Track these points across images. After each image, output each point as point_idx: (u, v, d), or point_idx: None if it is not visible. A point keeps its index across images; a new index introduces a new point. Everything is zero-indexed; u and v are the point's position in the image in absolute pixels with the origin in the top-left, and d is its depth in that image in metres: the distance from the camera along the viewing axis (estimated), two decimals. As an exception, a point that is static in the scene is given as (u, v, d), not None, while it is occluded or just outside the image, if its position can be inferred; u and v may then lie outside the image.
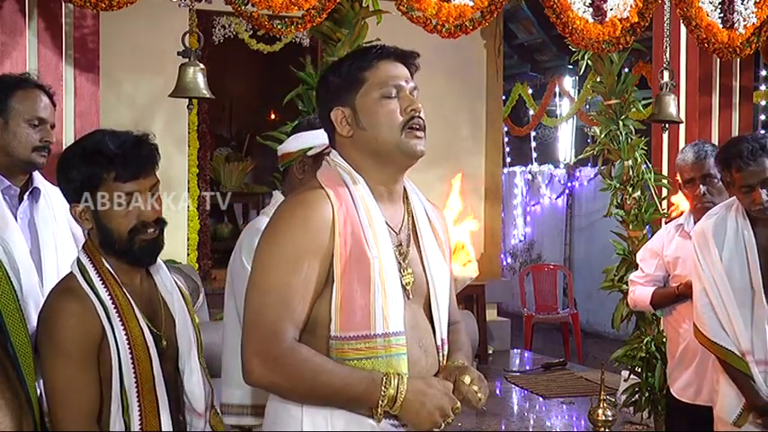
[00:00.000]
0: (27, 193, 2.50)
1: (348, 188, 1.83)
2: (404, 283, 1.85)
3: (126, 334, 1.92)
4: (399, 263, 1.86)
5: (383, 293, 1.78)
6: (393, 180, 1.90)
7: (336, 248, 1.77)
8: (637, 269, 3.85)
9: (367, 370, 1.75)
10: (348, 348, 1.76)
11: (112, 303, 1.93)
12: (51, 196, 2.49)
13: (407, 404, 1.74)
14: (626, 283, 4.36)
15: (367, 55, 1.88)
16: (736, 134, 5.18)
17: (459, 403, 1.80)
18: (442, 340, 1.93)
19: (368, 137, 1.85)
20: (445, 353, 1.93)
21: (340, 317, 1.77)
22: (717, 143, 4.52)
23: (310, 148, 2.47)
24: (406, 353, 1.80)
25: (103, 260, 1.99)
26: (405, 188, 1.97)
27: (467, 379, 1.84)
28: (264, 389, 1.82)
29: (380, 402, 1.73)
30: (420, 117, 1.86)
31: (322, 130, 2.10)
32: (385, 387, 1.72)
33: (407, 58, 1.91)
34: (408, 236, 1.92)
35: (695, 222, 3.51)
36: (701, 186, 3.42)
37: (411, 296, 1.87)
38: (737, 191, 2.93)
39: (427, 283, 1.92)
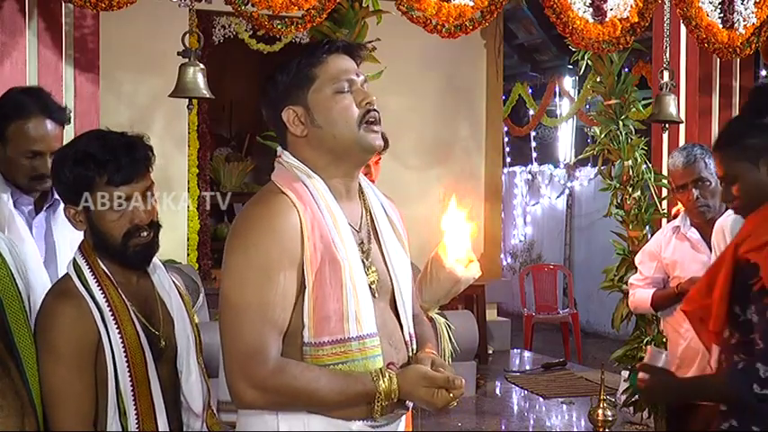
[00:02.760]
0: (47, 206, 2.48)
1: (308, 189, 1.79)
2: (368, 282, 1.82)
3: (121, 337, 1.91)
4: (363, 262, 1.82)
5: (354, 295, 1.75)
6: (350, 176, 1.86)
7: (306, 254, 1.72)
8: (636, 271, 3.85)
9: (356, 375, 1.74)
10: (323, 354, 1.73)
11: (108, 305, 1.92)
12: None
13: (404, 395, 1.77)
14: (626, 283, 4.36)
15: (315, 51, 1.84)
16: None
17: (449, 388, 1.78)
18: (410, 335, 1.91)
19: (324, 134, 1.81)
20: (414, 347, 1.92)
21: (314, 323, 1.73)
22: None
23: None
24: (382, 354, 1.79)
25: (99, 261, 1.97)
26: (360, 184, 1.93)
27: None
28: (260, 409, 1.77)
29: (378, 400, 1.73)
30: (375, 110, 1.83)
31: None
32: (379, 385, 1.73)
33: (355, 51, 1.88)
34: (368, 233, 1.89)
35: (691, 224, 3.52)
36: (693, 191, 3.41)
37: (377, 295, 1.84)
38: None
39: (391, 279, 1.89)
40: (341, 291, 1.74)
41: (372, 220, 1.91)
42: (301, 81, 1.82)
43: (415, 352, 1.91)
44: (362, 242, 1.85)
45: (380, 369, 1.75)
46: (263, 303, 1.70)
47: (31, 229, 2.41)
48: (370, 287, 1.82)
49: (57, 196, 2.49)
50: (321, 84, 1.81)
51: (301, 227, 1.73)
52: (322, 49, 1.84)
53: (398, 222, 1.98)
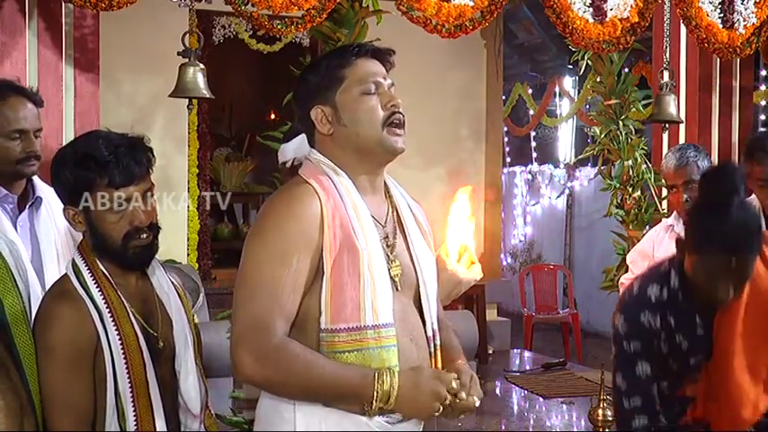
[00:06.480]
0: (29, 204, 2.47)
1: (332, 181, 1.84)
2: (392, 275, 1.86)
3: (120, 338, 1.91)
4: (387, 255, 1.86)
5: (372, 285, 1.79)
6: (374, 173, 1.92)
7: (326, 241, 1.77)
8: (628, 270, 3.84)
9: (359, 366, 1.75)
10: (338, 341, 1.76)
11: (106, 306, 1.92)
12: (52, 203, 2.45)
13: (402, 398, 1.73)
14: (625, 283, 4.35)
15: (345, 53, 1.91)
16: (737, 134, 5.19)
17: (453, 382, 1.78)
18: (433, 331, 1.94)
19: (349, 133, 1.87)
20: (437, 344, 1.94)
21: (330, 309, 1.76)
22: (716, 144, 4.52)
23: None
24: (396, 345, 1.80)
25: (97, 261, 1.97)
26: (386, 183, 1.99)
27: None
28: (256, 385, 1.81)
29: (375, 399, 1.72)
30: (400, 112, 1.89)
31: None
32: (379, 384, 1.72)
33: (384, 56, 1.94)
34: (394, 228, 1.93)
35: (684, 223, 3.50)
36: (683, 194, 3.40)
37: (400, 288, 1.88)
38: (754, 183, 2.92)
39: (416, 274, 1.92)
40: (358, 279, 1.78)
41: (398, 216, 1.95)
42: (330, 81, 1.88)
43: (436, 348, 1.94)
44: (387, 236, 1.90)
45: (383, 369, 1.75)
46: (275, 284, 1.74)
47: (15, 227, 2.40)
48: (394, 280, 1.86)
49: (38, 193, 2.49)
50: (349, 85, 1.87)
51: (322, 214, 1.78)
52: (351, 52, 1.90)
53: (424, 222, 2.02)
